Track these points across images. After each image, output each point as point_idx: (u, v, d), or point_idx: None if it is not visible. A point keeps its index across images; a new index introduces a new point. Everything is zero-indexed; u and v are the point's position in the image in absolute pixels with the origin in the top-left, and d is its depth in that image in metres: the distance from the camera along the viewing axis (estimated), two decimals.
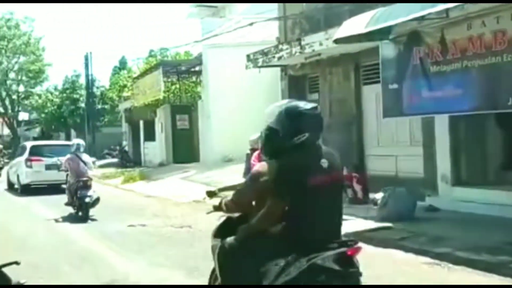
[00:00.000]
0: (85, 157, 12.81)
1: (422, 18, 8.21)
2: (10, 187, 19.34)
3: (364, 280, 3.31)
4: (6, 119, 44.75)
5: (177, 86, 24.90)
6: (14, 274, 3.05)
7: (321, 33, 11.33)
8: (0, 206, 15.15)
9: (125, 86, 31.69)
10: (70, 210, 12.17)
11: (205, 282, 6.39)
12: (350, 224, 9.02)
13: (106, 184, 20.15)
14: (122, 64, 41.99)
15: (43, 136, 42.82)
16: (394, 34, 9.33)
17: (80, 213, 11.78)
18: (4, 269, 3.00)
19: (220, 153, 20.68)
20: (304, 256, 3.25)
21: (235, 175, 16.26)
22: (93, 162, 15.31)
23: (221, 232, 3.90)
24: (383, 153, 11.82)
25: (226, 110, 20.38)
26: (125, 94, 31.40)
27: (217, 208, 3.89)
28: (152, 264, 7.47)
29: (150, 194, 15.99)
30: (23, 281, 3.01)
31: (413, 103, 9.23)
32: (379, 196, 9.34)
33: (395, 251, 7.27)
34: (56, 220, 11.78)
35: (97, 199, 11.82)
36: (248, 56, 14.45)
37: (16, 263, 2.99)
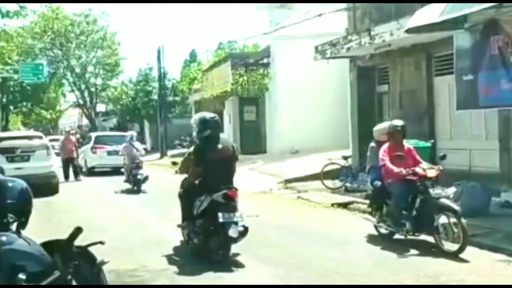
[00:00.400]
0: (137, 145, 16.20)
1: (500, 5, 7.72)
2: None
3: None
4: (85, 110, 46.54)
5: (245, 78, 24.97)
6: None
7: (392, 23, 10.93)
8: (73, 185, 17.40)
9: (195, 78, 32.14)
10: (128, 186, 15.31)
11: (264, 268, 6.44)
12: None
13: (177, 174, 20.39)
14: (193, 57, 42.65)
15: (118, 126, 44.26)
16: (469, 23, 8.82)
17: (135, 188, 14.94)
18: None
19: (287, 145, 20.58)
20: (210, 194, 6.73)
21: (301, 167, 16.21)
22: (144, 149, 18.69)
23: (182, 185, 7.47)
24: (456, 147, 11.27)
25: (293, 101, 20.23)
26: (195, 86, 31.87)
27: (176, 172, 8.05)
28: None
29: None
30: (106, 259, 3.04)
31: (490, 95, 8.70)
32: (451, 190, 8.88)
33: (468, 248, 6.90)
34: (116, 192, 15.00)
35: (147, 177, 15.06)
36: (316, 47, 14.22)
37: (101, 242, 3.02)
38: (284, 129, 20.76)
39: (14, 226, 3.47)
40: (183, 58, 44.03)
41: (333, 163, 13.50)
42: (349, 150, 14.75)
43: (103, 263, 3.06)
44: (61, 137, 23.64)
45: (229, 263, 6.72)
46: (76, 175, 18.60)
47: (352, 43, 12.54)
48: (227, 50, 31.55)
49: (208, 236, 6.76)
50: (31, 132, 22.93)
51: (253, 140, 24.25)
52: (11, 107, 42.18)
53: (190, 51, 45.50)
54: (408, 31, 9.45)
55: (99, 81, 46.05)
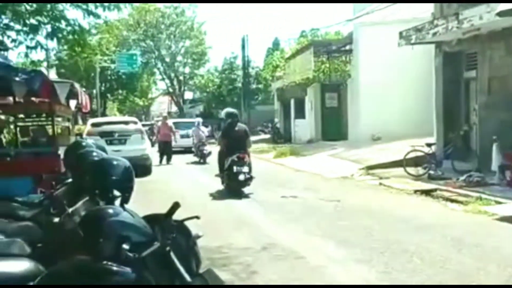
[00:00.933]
0: (203, 129, 21.88)
1: None
2: None
3: None
4: (174, 97, 48.06)
5: (327, 65, 24.71)
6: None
7: (482, 6, 10.35)
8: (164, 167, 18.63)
9: (277, 66, 32.23)
10: (196, 159, 20.14)
11: (348, 251, 6.41)
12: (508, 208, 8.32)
13: (260, 158, 20.73)
14: (275, 46, 42.72)
15: (204, 113, 45.34)
16: None
17: (201, 161, 19.51)
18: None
19: (368, 132, 20.20)
20: (231, 156, 11.20)
21: (383, 153, 15.87)
22: (209, 132, 24.52)
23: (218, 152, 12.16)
24: None
25: (375, 88, 19.77)
26: (277, 74, 31.97)
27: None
28: (305, 233, 7.55)
29: (300, 169, 16.13)
30: (201, 233, 3.16)
31: None
32: None
33: None
34: (187, 163, 19.60)
35: (210, 152, 19.04)
36: (400, 33, 13.77)
37: (197, 217, 3.13)
38: (366, 116, 20.37)
39: (118, 201, 3.69)
40: (266, 46, 44.12)
41: (416, 150, 13.09)
42: (432, 138, 14.25)
43: (198, 236, 3.18)
44: (158, 123, 25.23)
45: (312, 247, 6.78)
46: (169, 159, 19.24)
47: (438, 28, 12.02)
48: (309, 37, 31.30)
49: (230, 180, 11.25)
50: (127, 118, 24.07)
51: (334, 127, 24.00)
52: (108, 95, 44.30)
53: (273, 40, 45.62)
54: (500, 14, 8.95)
55: (187, 70, 47.37)
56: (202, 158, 19.48)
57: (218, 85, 39.17)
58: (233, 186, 11.13)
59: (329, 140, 22.63)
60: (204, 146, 19.95)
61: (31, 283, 2.83)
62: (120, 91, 45.38)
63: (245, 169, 11.00)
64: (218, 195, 11.28)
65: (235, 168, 10.94)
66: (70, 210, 3.77)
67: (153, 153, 17.94)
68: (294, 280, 5.51)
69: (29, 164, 8.02)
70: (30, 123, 10.35)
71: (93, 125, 16.15)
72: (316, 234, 7.42)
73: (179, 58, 46.73)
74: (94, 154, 4.46)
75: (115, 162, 3.68)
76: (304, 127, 26.43)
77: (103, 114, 37.17)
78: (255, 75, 37.45)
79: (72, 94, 8.15)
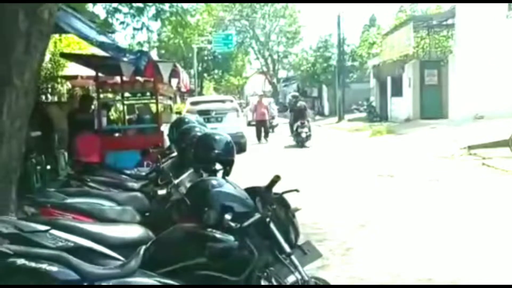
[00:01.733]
0: (273, 106, 25.35)
1: None
2: None
3: None
4: (268, 76, 48.47)
5: (427, 40, 23.68)
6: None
7: None
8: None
9: (374, 43, 31.40)
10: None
11: (454, 233, 6.24)
12: None
13: (355, 137, 20.53)
14: (372, 22, 41.53)
15: (298, 91, 45.27)
16: None
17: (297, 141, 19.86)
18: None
19: (470, 110, 19.24)
20: (296, 123, 17.68)
21: (485, 133, 15.06)
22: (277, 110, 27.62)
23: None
24: None
25: (479, 65, 18.72)
26: (373, 51, 31.14)
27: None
28: (402, 211, 7.47)
29: (396, 148, 15.76)
30: (299, 207, 3.27)
31: None
32: None
33: None
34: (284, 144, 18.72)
35: (277, 125, 23.54)
36: (510, 4, 12.89)
37: (296, 190, 3.23)
38: (467, 94, 19.38)
39: (220, 174, 3.89)
40: (363, 23, 43.01)
41: None
42: None
43: (297, 209, 3.29)
44: (253, 101, 25.58)
45: (408, 226, 6.68)
46: (266, 136, 19.47)
47: None
48: (408, 12, 30.12)
49: (297, 137, 16.99)
50: (224, 96, 24.70)
51: (434, 105, 23.05)
52: (205, 74, 45.56)
53: (369, 16, 44.39)
54: None
55: (281, 48, 47.49)
56: (271, 128, 22.37)
57: (313, 63, 38.78)
58: (299, 140, 17.23)
59: (427, 119, 21.82)
60: (273, 119, 23.73)
61: (144, 247, 3.07)
62: (215, 71, 46.50)
63: (305, 129, 17.29)
64: (313, 173, 11.38)
65: (299, 130, 17.23)
66: (176, 181, 4.02)
67: (249, 132, 18.37)
68: (390, 258, 5.48)
69: (135, 139, 8.57)
70: (135, 102, 10.95)
71: (192, 103, 16.78)
72: (413, 213, 7.30)
73: (273, 37, 46.94)
74: (197, 129, 4.71)
75: (217, 137, 3.87)
76: (401, 105, 25.64)
77: (200, 94, 38.35)
78: (350, 53, 36.71)
79: (174, 74, 8.54)
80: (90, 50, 10.59)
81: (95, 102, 10.05)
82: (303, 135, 17.18)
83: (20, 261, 2.70)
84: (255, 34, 45.76)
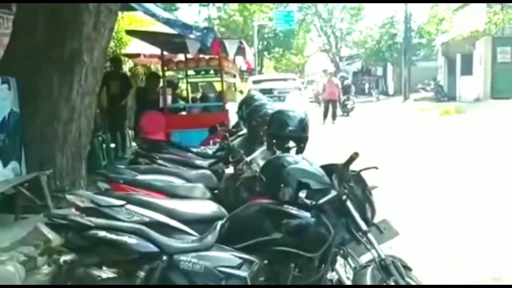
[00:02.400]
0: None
1: None
2: None
3: None
4: (330, 54, 47.78)
5: (500, 16, 22.59)
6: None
7: None
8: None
9: (443, 19, 30.25)
10: None
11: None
12: None
13: (423, 117, 20.01)
14: None
15: (361, 70, 44.45)
16: None
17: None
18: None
19: None
20: (344, 96, 21.41)
21: None
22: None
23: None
24: None
25: None
26: (442, 27, 30.05)
27: None
28: (475, 194, 7.25)
29: (466, 128, 15.23)
30: (376, 185, 3.23)
31: None
32: None
33: None
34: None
35: (353, 108, 22.37)
36: None
37: (375, 168, 3.19)
38: None
39: (293, 151, 3.89)
40: None
41: None
42: None
43: (374, 187, 3.26)
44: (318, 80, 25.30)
45: (478, 206, 6.48)
46: (333, 117, 18.87)
47: None
48: None
49: (343, 108, 21.18)
50: (286, 75, 24.57)
51: (507, 84, 22.05)
52: (265, 53, 45.48)
53: None
54: None
55: (344, 25, 46.59)
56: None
57: (377, 40, 37.82)
58: (345, 111, 21.14)
59: (499, 99, 20.91)
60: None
61: (220, 222, 3.13)
62: (276, 49, 46.29)
63: (350, 102, 21.74)
64: (382, 152, 11.20)
65: (345, 102, 21.24)
66: (248, 159, 4.05)
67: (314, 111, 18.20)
68: (450, 242, 5.35)
69: (200, 118, 8.70)
70: (199, 80, 11.07)
71: (254, 82, 16.82)
72: (481, 197, 7.09)
73: (336, 13, 46.09)
74: (268, 106, 4.72)
75: (291, 114, 3.87)
76: (471, 84, 24.68)
77: (260, 72, 38.40)
78: (417, 29, 35.54)
79: (239, 51, 8.57)
80: (151, 28, 10.77)
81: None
82: (349, 106, 22.02)
83: (102, 233, 2.82)
84: (317, 11, 45.10)
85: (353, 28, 45.31)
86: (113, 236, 2.81)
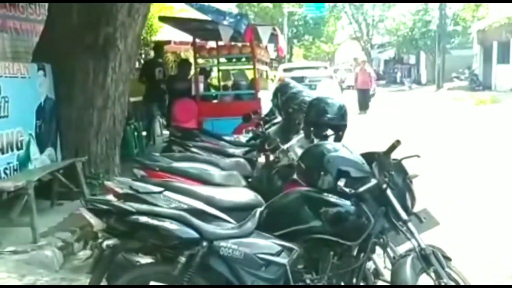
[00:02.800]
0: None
1: None
2: None
3: None
4: (361, 42, 47.23)
5: None
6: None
7: None
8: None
9: (480, 5, 29.63)
10: None
11: None
12: None
13: (458, 106, 19.70)
14: None
15: (394, 58, 43.86)
16: None
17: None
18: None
19: None
20: None
21: None
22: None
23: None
24: None
25: None
26: (479, 14, 29.41)
27: None
28: None
29: (503, 118, 14.94)
30: (417, 174, 3.21)
31: None
32: None
33: None
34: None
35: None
36: None
37: (417, 156, 3.17)
38: None
39: (331, 139, 3.89)
40: None
41: None
42: None
43: (415, 176, 3.24)
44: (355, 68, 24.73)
45: None
46: (366, 107, 18.51)
47: None
48: None
49: None
50: (318, 63, 24.40)
51: None
52: (295, 41, 45.23)
53: None
54: None
55: (376, 12, 45.93)
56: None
57: (411, 27, 37.17)
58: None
59: None
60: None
61: (259, 209, 3.16)
62: (306, 37, 45.98)
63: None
64: (417, 140, 11.07)
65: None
66: (285, 146, 4.06)
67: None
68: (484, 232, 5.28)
69: (232, 106, 8.73)
70: (231, 67, 11.07)
71: (285, 70, 16.79)
72: None
73: None
74: (304, 94, 4.72)
75: (330, 101, 3.86)
76: (508, 73, 24.15)
77: (289, 60, 38.21)
78: (452, 16, 34.84)
79: (272, 38, 8.54)
80: (180, 15, 10.77)
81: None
82: (343, 85, 23.21)
83: (143, 218, 2.87)
84: None
85: (386, 15, 44.63)
86: (154, 222, 2.86)
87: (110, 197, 3.61)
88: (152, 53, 11.36)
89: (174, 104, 8.97)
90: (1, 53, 7.58)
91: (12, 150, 4.95)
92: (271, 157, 4.50)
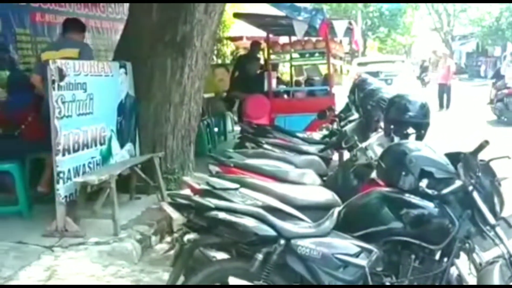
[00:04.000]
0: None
1: None
2: None
3: None
4: (441, 34, 45.66)
5: None
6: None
7: None
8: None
9: None
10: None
11: None
12: None
13: None
14: None
15: (477, 51, 42.09)
16: None
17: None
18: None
19: None
20: None
21: None
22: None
23: None
24: None
25: None
26: None
27: None
28: None
29: None
30: (507, 176, 3.13)
31: None
32: None
33: None
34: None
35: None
36: None
37: (508, 157, 3.10)
38: None
39: (412, 138, 3.85)
40: None
41: None
42: None
43: (503, 178, 3.16)
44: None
45: None
46: (447, 103, 17.79)
47: None
48: None
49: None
50: (394, 56, 23.96)
51: None
52: (369, 33, 44.37)
53: None
54: None
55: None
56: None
57: (497, 17, 35.49)
58: (423, 83, 20.56)
59: None
60: None
61: (337, 209, 3.19)
62: (381, 29, 44.96)
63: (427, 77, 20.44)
64: None
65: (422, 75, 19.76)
66: (363, 145, 4.05)
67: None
68: None
69: (305, 102, 8.75)
70: (304, 63, 11.07)
71: (359, 64, 16.59)
72: None
73: None
74: (384, 90, 4.67)
75: (411, 98, 3.82)
76: None
77: (363, 54, 37.56)
78: None
79: (348, 32, 8.48)
80: (249, 11, 10.83)
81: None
82: (426, 79, 23.14)
83: (222, 214, 2.98)
84: None
85: (469, 5, 42.86)
86: (233, 218, 2.95)
87: (187, 192, 3.77)
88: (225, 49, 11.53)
89: (246, 100, 9.10)
90: None
91: (95, 145, 5.25)
92: (348, 155, 4.51)
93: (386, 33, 46.41)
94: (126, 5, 8.57)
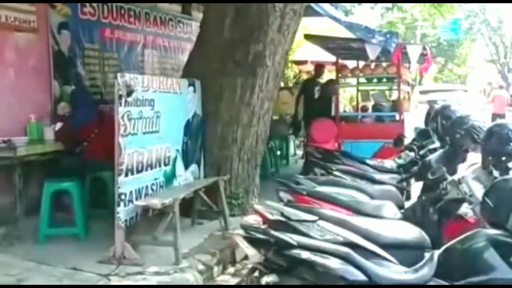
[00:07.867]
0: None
1: None
2: None
3: None
4: (498, 66, 44.20)
5: None
6: None
7: None
8: None
9: None
10: None
11: None
12: None
13: None
14: None
15: None
16: None
17: None
18: None
19: None
20: None
21: None
22: None
23: None
24: None
25: None
26: None
27: None
28: None
29: None
30: None
31: None
32: None
33: None
34: None
35: None
36: None
37: None
38: None
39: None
40: None
41: None
42: None
43: None
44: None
45: None
46: None
47: None
48: None
49: None
50: (456, 86, 22.93)
51: None
52: None
53: None
54: None
55: None
56: None
57: None
58: None
59: None
60: None
61: (437, 252, 2.65)
62: (438, 59, 43.81)
63: None
64: None
65: None
66: (456, 177, 3.49)
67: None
68: None
69: (373, 128, 8.21)
70: (372, 88, 10.50)
71: (421, 92, 15.93)
72: None
73: (507, 21, 42.38)
74: (473, 118, 4.11)
75: None
76: None
77: (420, 83, 36.52)
78: None
79: (421, 57, 7.92)
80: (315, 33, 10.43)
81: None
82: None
83: (305, 253, 2.49)
84: (486, 19, 41.85)
85: None
86: (318, 259, 2.46)
87: (253, 218, 3.30)
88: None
89: (312, 124, 8.63)
90: (151, 69, 7.77)
91: (160, 166, 4.78)
92: (434, 188, 3.94)
93: (443, 63, 45.23)
94: (194, 24, 8.35)
